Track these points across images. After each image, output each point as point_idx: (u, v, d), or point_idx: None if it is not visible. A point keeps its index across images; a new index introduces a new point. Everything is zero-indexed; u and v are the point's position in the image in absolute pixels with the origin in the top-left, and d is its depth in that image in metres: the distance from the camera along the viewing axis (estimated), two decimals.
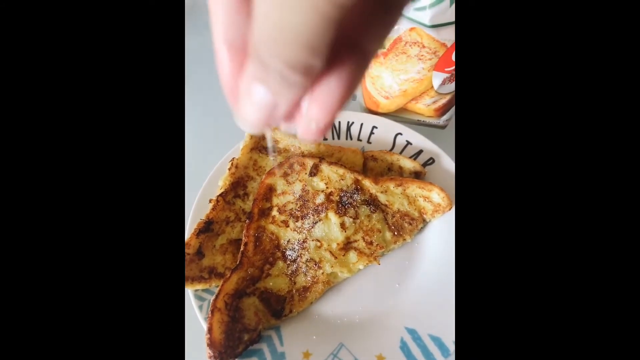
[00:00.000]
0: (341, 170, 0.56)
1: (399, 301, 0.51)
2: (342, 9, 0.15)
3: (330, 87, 0.20)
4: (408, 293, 0.51)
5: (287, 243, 0.52)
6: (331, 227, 0.53)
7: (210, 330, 0.43)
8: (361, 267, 0.52)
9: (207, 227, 0.53)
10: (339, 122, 0.67)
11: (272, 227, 0.53)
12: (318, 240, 0.52)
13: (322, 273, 0.50)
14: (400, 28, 0.55)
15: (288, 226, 0.53)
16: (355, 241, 0.53)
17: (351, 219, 0.53)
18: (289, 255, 0.51)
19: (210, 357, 0.42)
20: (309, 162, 0.57)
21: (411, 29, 0.54)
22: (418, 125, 0.71)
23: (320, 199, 0.54)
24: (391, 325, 0.49)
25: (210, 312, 0.44)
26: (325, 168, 0.57)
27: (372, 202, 0.55)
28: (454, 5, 0.50)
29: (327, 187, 0.55)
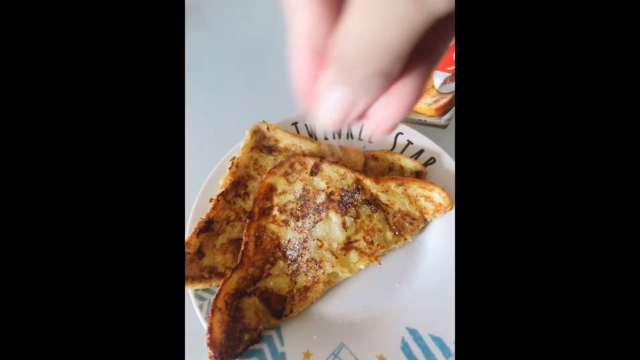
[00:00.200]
0: (342, 170, 0.56)
1: (400, 301, 0.51)
2: (431, 21, 0.16)
3: (405, 89, 0.22)
4: (409, 293, 0.51)
5: (288, 243, 0.52)
6: (332, 227, 0.53)
7: (210, 330, 0.43)
8: (362, 266, 0.52)
9: (207, 227, 0.53)
10: None
11: (272, 227, 0.53)
12: (319, 240, 0.52)
13: (323, 273, 0.50)
14: None
15: (289, 226, 0.53)
16: (356, 241, 0.53)
17: (352, 219, 0.53)
18: (290, 254, 0.51)
19: (210, 357, 0.42)
20: (310, 162, 0.57)
21: None
22: (419, 124, 0.70)
23: (321, 198, 0.54)
24: (392, 326, 0.48)
25: (210, 312, 0.44)
26: (326, 167, 0.56)
27: (373, 202, 0.55)
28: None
29: (328, 187, 0.55)
